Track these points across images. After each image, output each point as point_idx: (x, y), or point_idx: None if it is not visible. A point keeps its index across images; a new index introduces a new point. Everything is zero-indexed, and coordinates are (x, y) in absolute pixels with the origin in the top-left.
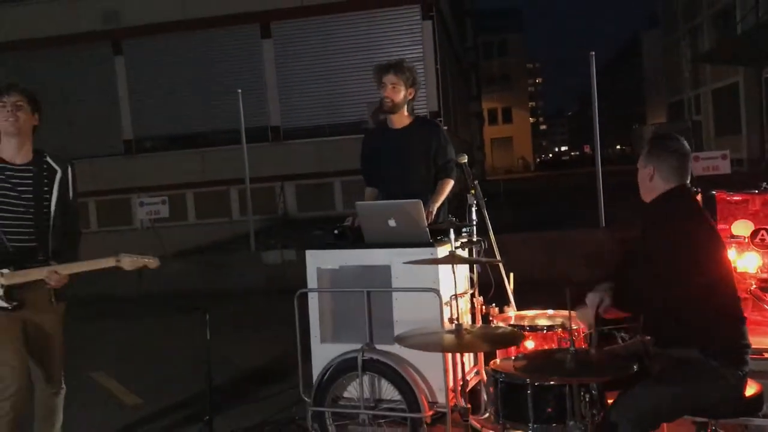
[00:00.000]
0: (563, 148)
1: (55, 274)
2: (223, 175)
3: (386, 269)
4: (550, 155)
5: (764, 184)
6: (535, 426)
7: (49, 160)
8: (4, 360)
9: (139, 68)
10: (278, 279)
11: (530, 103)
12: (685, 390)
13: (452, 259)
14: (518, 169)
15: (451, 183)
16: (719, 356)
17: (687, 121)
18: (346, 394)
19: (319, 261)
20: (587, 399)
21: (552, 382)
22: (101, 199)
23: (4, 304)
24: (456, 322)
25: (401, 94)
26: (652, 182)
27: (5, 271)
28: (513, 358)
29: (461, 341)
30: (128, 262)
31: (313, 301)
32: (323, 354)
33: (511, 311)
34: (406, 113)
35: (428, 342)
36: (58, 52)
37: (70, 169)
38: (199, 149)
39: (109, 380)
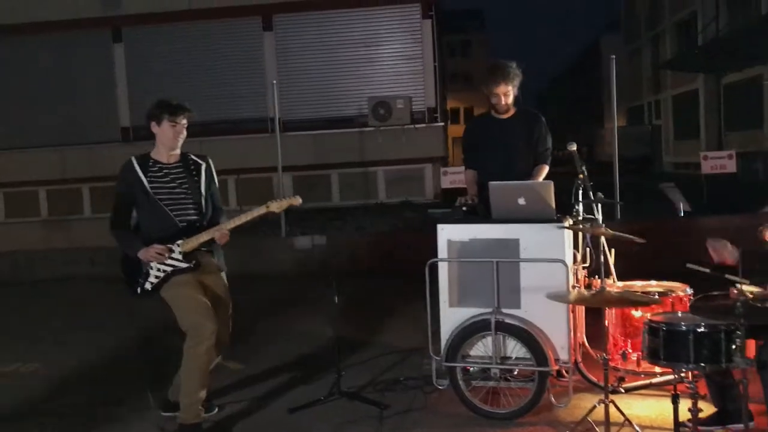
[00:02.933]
0: None
1: (219, 231)
2: (219, 165)
3: (515, 242)
4: None
5: None
6: (694, 365)
7: (193, 157)
8: (200, 300)
9: (138, 56)
10: (308, 263)
11: None
12: None
13: (597, 230)
14: None
15: (546, 168)
16: None
17: (647, 126)
18: (473, 353)
19: (450, 234)
20: (738, 342)
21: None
22: (97, 185)
23: (185, 265)
24: (596, 285)
25: (511, 97)
26: None
27: (180, 241)
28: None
29: (612, 298)
30: (276, 206)
31: (443, 270)
32: (452, 317)
33: (613, 281)
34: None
35: (584, 298)
36: (58, 37)
37: (208, 162)
38: (196, 138)
39: None
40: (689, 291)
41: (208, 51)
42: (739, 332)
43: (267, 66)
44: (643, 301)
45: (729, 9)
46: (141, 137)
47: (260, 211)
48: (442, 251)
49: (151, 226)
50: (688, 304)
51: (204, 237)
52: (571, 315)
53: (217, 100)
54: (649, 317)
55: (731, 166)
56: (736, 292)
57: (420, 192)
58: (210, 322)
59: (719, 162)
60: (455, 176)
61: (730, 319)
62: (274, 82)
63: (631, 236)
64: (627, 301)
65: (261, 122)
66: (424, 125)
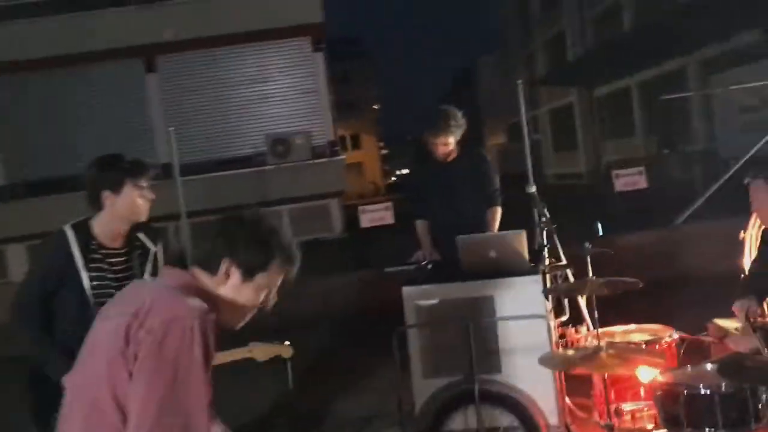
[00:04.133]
0: (405, 171)
1: None
2: None
3: (490, 299)
4: (393, 178)
5: None
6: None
7: (142, 238)
8: None
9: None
10: None
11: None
12: None
13: (593, 285)
14: (370, 194)
15: (499, 210)
16: None
17: (533, 138)
18: (454, 426)
19: (416, 297)
20: (764, 400)
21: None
22: None
23: None
24: (593, 343)
25: (451, 147)
26: None
27: None
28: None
29: (612, 362)
30: (261, 353)
31: (413, 337)
32: (427, 389)
33: (587, 330)
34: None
35: (577, 361)
36: None
37: (161, 247)
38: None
39: None
40: (675, 335)
41: (86, 97)
42: (763, 389)
43: (153, 109)
44: (644, 361)
45: (595, 26)
46: (13, 197)
47: (242, 353)
48: (410, 316)
49: (69, 332)
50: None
51: None
52: (557, 374)
53: (99, 150)
54: (660, 379)
55: (643, 182)
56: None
57: (327, 228)
58: None
59: (631, 179)
60: (374, 214)
61: (758, 377)
62: (171, 128)
63: (630, 279)
64: (627, 362)
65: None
66: (325, 159)
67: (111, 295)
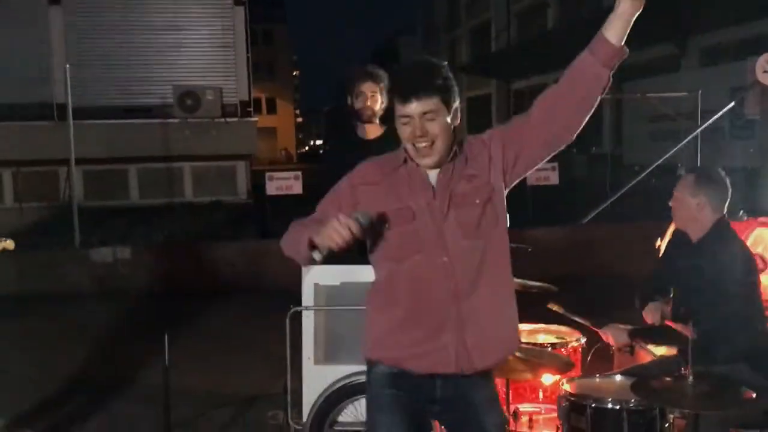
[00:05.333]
0: (318, 142)
1: None
2: None
3: None
4: (307, 148)
5: (741, 212)
6: None
7: None
8: None
9: None
10: (110, 281)
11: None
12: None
13: None
14: (282, 160)
15: None
16: (764, 370)
17: None
18: (342, 419)
19: (316, 277)
20: (671, 420)
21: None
22: None
23: None
24: None
25: (378, 104)
26: (703, 213)
27: None
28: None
29: (516, 366)
30: None
31: (308, 320)
32: (318, 376)
33: None
34: (377, 122)
35: None
36: None
37: None
38: None
39: None
40: (582, 340)
41: None
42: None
43: (54, 45)
44: (553, 367)
45: (519, 20)
46: None
47: None
48: (308, 297)
49: None
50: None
51: None
52: None
53: None
54: (566, 388)
55: (554, 178)
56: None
57: (231, 191)
58: None
59: (544, 174)
60: (282, 182)
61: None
62: (68, 66)
63: (545, 285)
64: (532, 367)
65: (44, 108)
66: (236, 119)
67: None
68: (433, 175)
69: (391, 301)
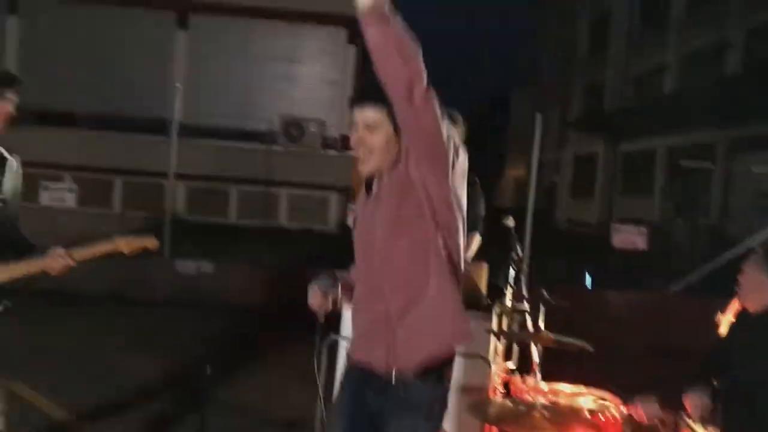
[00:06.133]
0: None
1: (60, 260)
2: (106, 163)
3: None
4: None
5: None
6: None
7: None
8: None
9: (36, 34)
10: (192, 292)
11: None
12: None
13: (539, 337)
14: None
15: (478, 238)
16: None
17: (547, 180)
18: None
19: None
20: None
21: None
22: None
23: None
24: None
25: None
26: (763, 291)
27: None
28: None
29: (544, 424)
30: (126, 245)
31: (344, 349)
32: None
33: (536, 382)
34: None
35: (508, 415)
36: None
37: (18, 162)
38: (82, 130)
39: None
40: (624, 411)
41: (114, 39)
42: None
43: (176, 65)
44: (580, 429)
45: (635, 81)
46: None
47: (106, 247)
48: (346, 328)
49: None
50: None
51: (32, 267)
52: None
53: (114, 92)
54: None
55: (642, 243)
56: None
57: (323, 221)
58: None
59: (630, 237)
60: None
61: None
62: (178, 85)
63: (579, 343)
64: (561, 426)
65: (158, 123)
66: (335, 153)
67: None
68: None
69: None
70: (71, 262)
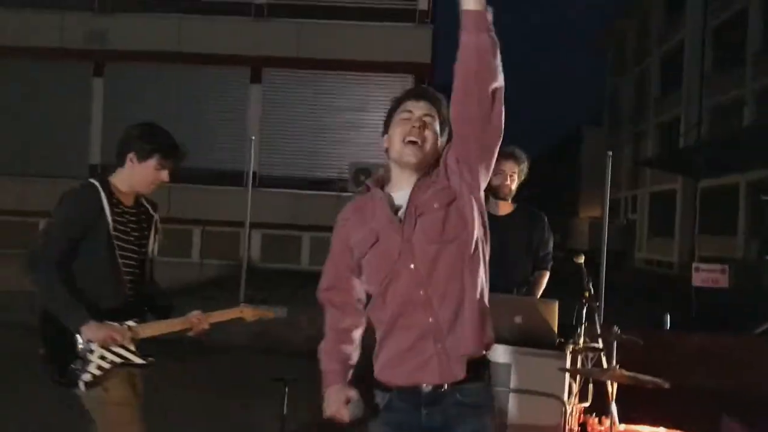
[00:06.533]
0: None
1: (198, 324)
2: (185, 214)
3: (506, 367)
4: None
5: None
6: None
7: (145, 203)
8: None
9: (118, 92)
10: (264, 337)
11: None
12: None
13: (613, 374)
14: None
15: (547, 275)
16: None
17: (623, 220)
18: None
19: None
20: None
21: None
22: None
23: (140, 361)
24: None
25: (515, 183)
26: None
27: (132, 323)
28: None
29: None
30: (251, 314)
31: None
32: None
33: (612, 423)
34: (510, 200)
35: None
36: (40, 64)
37: (157, 215)
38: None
39: None
40: None
41: (191, 95)
42: None
43: (250, 118)
44: None
45: (712, 116)
46: None
47: (233, 313)
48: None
49: (92, 288)
50: None
51: (175, 326)
52: None
53: (194, 146)
54: None
55: (724, 281)
56: None
57: None
58: None
59: (711, 276)
60: None
61: None
62: (253, 137)
63: (654, 379)
64: None
65: (237, 175)
66: None
67: (128, 245)
68: (399, 195)
69: (378, 322)
70: (207, 326)
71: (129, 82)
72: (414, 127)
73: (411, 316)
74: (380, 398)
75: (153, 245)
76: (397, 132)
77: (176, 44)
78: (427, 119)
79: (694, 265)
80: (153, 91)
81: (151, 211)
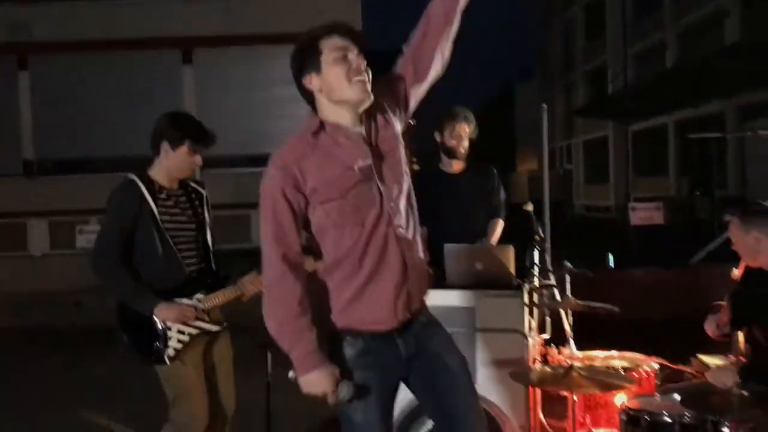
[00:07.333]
0: None
1: (250, 286)
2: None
3: (471, 310)
4: None
5: None
6: None
7: (192, 184)
8: (203, 391)
9: (45, 85)
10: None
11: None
12: None
13: (569, 304)
14: None
15: (501, 223)
16: None
17: (559, 169)
18: None
19: None
20: None
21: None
22: None
23: (216, 328)
24: (563, 362)
25: (467, 143)
26: (763, 245)
27: (200, 295)
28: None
29: (582, 382)
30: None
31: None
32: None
33: (571, 351)
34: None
35: (550, 379)
36: None
37: (206, 191)
38: (103, 174)
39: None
40: (655, 366)
41: (123, 82)
42: (727, 424)
43: (185, 100)
44: (615, 385)
45: (637, 61)
46: (46, 171)
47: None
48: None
49: (154, 272)
50: (656, 382)
51: (231, 294)
52: (531, 392)
53: (129, 134)
54: (626, 403)
55: (659, 218)
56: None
57: None
58: (203, 420)
59: (647, 213)
60: None
61: (719, 409)
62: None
63: (605, 305)
64: (598, 384)
65: None
66: None
67: (180, 224)
68: (356, 129)
69: (356, 265)
70: (257, 289)
71: (56, 74)
72: (355, 65)
73: (389, 260)
74: (351, 345)
75: (208, 218)
76: (336, 72)
77: (103, 31)
78: (360, 55)
79: (630, 205)
80: (83, 80)
81: (200, 189)
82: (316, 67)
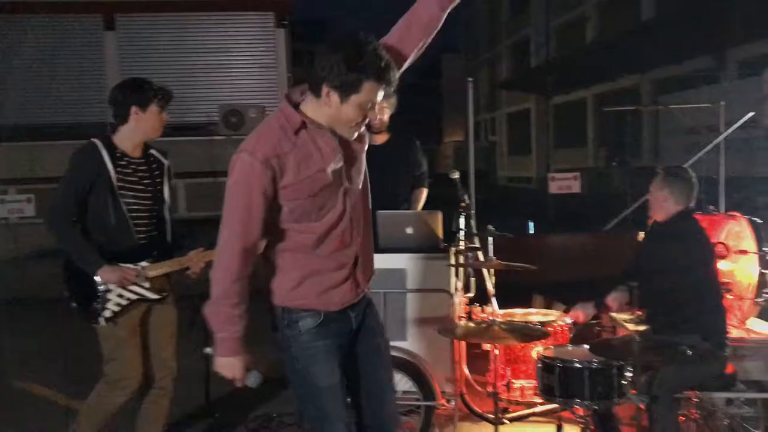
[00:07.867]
0: None
1: (197, 261)
2: (54, 172)
3: (402, 272)
4: None
5: (711, 207)
6: (589, 402)
7: (155, 153)
8: (138, 353)
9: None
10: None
11: None
12: (693, 369)
13: (491, 263)
14: None
15: (425, 192)
16: (713, 341)
17: (484, 141)
18: None
19: None
20: (629, 378)
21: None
22: None
23: (154, 296)
24: (483, 317)
25: (387, 116)
26: (667, 203)
27: (145, 263)
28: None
29: (502, 334)
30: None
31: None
32: None
33: (493, 309)
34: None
35: (473, 333)
36: None
37: (169, 163)
38: (25, 143)
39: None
40: (568, 321)
41: (40, 49)
42: (630, 368)
43: (108, 68)
44: (533, 336)
45: (559, 35)
46: None
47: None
48: None
49: (104, 236)
50: (569, 335)
51: (175, 266)
52: (456, 346)
53: (50, 102)
54: (542, 353)
55: (576, 187)
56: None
57: None
58: (137, 381)
59: (565, 183)
60: None
61: (622, 355)
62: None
63: (523, 265)
64: (517, 336)
65: (98, 127)
66: None
67: (137, 192)
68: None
69: (312, 254)
70: (203, 264)
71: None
72: (368, 118)
73: (346, 251)
74: (312, 317)
75: (167, 190)
76: (349, 112)
77: None
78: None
79: (549, 174)
80: (1, 45)
81: (162, 159)
82: (344, 95)
